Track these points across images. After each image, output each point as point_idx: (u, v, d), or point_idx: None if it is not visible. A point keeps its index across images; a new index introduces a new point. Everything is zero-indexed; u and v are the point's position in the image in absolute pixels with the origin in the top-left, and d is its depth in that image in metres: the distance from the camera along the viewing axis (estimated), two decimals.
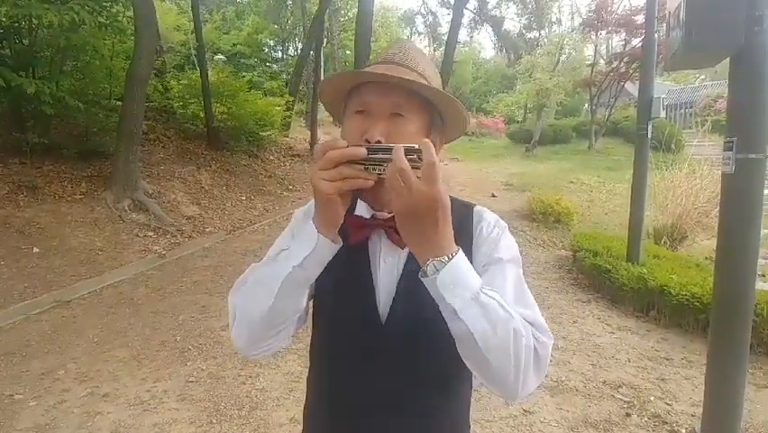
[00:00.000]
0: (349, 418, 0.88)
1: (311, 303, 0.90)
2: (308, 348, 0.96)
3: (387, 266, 0.84)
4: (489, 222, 0.87)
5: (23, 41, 7.05)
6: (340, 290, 0.85)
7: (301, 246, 0.73)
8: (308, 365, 0.97)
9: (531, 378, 0.72)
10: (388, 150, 0.65)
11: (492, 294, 0.69)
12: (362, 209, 0.86)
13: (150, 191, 7.44)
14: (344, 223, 0.78)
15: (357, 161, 0.67)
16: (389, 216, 0.81)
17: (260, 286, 0.76)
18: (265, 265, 0.79)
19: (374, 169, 0.67)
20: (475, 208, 0.89)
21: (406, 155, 0.64)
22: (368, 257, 0.84)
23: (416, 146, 0.65)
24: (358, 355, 0.85)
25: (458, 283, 0.67)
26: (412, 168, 0.63)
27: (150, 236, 6.46)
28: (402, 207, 0.65)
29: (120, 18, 7.99)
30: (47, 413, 2.76)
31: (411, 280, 0.80)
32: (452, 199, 0.87)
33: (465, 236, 0.83)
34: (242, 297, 0.79)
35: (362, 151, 0.67)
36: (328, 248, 0.73)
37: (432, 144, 0.65)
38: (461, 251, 0.69)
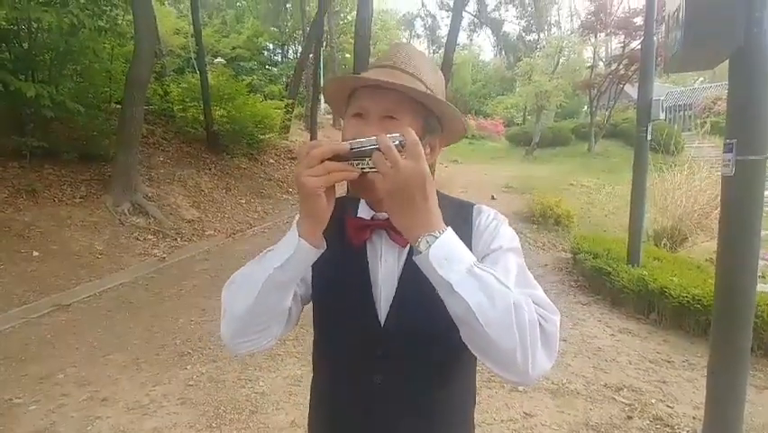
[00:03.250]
0: (351, 420, 0.88)
1: (305, 307, 0.91)
2: (308, 352, 0.97)
3: (387, 265, 0.85)
4: (489, 214, 0.88)
5: (23, 44, 7.06)
6: (338, 293, 0.86)
7: (283, 248, 0.74)
8: (310, 369, 0.98)
9: (540, 356, 0.69)
10: (371, 142, 0.67)
11: (487, 268, 0.69)
12: (363, 211, 0.88)
13: (150, 195, 7.44)
14: (345, 226, 0.82)
15: (342, 159, 0.69)
16: None
17: (245, 284, 0.77)
18: (251, 265, 0.80)
19: (358, 164, 0.69)
20: (474, 205, 0.90)
21: None
22: (366, 259, 0.85)
23: (398, 134, 0.67)
24: (358, 357, 0.86)
25: (452, 257, 0.67)
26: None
27: (150, 240, 6.46)
28: (391, 185, 0.65)
29: (119, 22, 8.01)
30: (46, 417, 2.75)
31: (411, 277, 0.81)
32: (452, 199, 0.90)
33: (465, 231, 0.84)
34: (230, 292, 0.80)
35: (345, 146, 0.68)
36: (309, 252, 0.73)
37: (412, 129, 0.67)
38: (450, 228, 0.69)
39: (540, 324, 0.69)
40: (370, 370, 0.85)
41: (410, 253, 0.82)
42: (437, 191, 0.87)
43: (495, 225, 0.85)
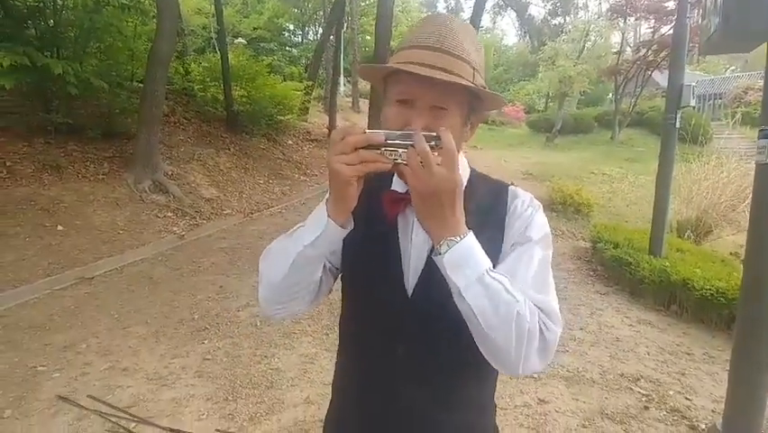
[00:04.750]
0: (374, 391, 0.90)
1: (336, 278, 0.94)
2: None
3: (418, 238, 0.85)
4: (524, 200, 0.87)
5: (48, 21, 7.12)
6: (368, 264, 0.88)
7: (313, 227, 0.78)
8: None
9: (533, 360, 0.73)
10: (407, 136, 0.69)
11: (498, 277, 0.71)
12: (398, 184, 0.88)
13: (170, 173, 7.53)
14: (379, 198, 0.84)
15: (374, 147, 0.70)
16: None
17: (278, 257, 0.83)
18: (285, 238, 0.85)
19: (390, 154, 0.70)
20: (510, 187, 0.90)
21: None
22: (398, 231, 0.86)
23: (435, 133, 0.68)
24: (383, 328, 0.88)
25: (465, 264, 0.70)
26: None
27: (170, 217, 6.55)
28: (422, 187, 0.68)
29: (142, 0, 8.01)
30: (68, 385, 2.84)
31: None
32: (487, 178, 0.91)
33: (499, 212, 0.85)
34: (266, 264, 0.86)
35: (381, 136, 0.69)
36: (337, 232, 0.77)
37: (449, 132, 0.68)
38: (471, 233, 0.72)
39: (541, 331, 0.72)
40: (393, 340, 0.86)
41: None
42: (472, 169, 0.92)
43: (530, 212, 0.85)
